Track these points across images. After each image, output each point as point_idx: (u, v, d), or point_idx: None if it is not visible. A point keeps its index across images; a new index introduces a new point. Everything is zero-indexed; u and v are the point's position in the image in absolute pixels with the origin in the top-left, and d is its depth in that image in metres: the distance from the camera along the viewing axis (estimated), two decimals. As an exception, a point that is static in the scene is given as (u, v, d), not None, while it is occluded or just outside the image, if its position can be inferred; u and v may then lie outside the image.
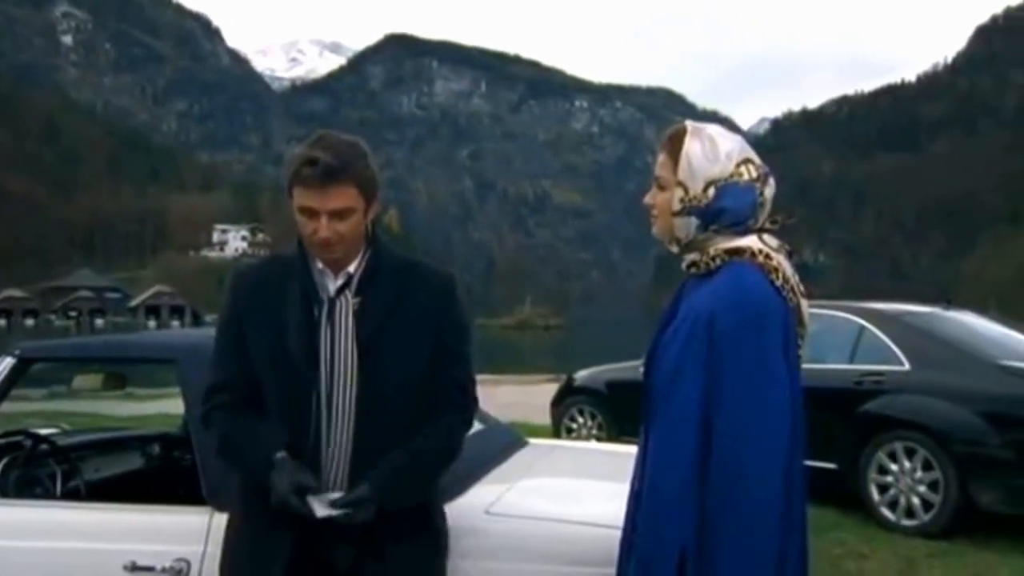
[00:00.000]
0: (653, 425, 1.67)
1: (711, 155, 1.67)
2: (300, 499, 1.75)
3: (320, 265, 1.89)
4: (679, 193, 1.68)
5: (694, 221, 1.68)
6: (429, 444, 1.90)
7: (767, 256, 1.65)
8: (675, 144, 1.70)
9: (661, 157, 1.73)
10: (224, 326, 1.95)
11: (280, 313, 1.87)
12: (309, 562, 1.83)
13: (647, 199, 1.75)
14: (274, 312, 1.87)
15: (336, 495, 1.79)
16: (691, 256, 1.71)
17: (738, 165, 1.68)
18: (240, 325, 1.90)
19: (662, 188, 1.72)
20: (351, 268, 1.89)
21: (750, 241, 1.66)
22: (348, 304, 1.86)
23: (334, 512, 1.75)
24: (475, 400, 2.02)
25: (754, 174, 1.69)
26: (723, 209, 1.66)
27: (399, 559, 1.85)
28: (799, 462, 1.59)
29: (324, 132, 1.86)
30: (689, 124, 1.73)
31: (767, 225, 1.71)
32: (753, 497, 1.51)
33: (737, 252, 1.65)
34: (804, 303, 1.69)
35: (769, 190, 1.70)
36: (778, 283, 1.63)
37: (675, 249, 1.74)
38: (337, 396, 1.83)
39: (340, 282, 1.88)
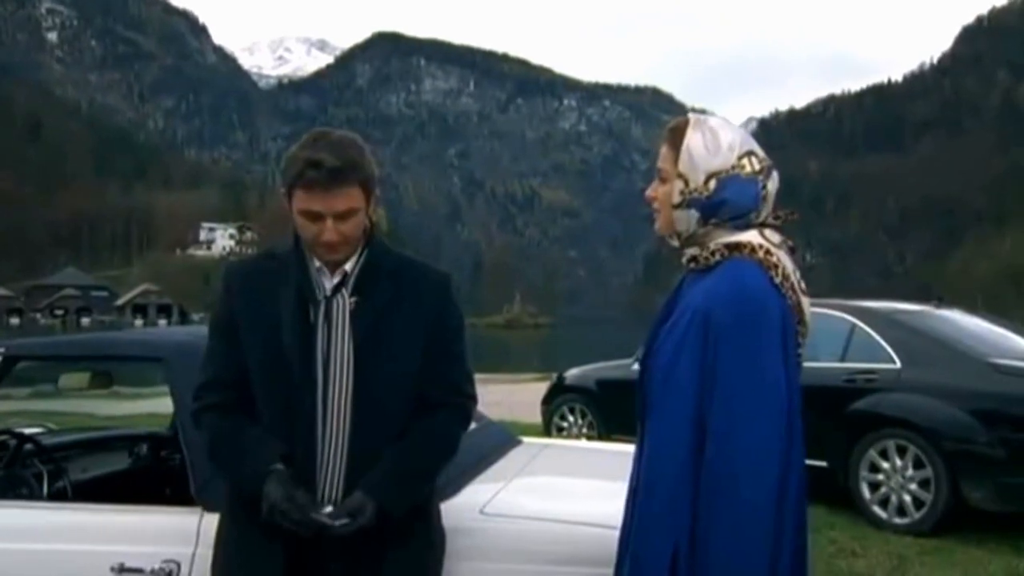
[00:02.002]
0: (649, 422, 1.64)
1: (712, 147, 1.64)
2: (293, 507, 1.70)
3: (318, 264, 1.85)
4: (679, 185, 1.65)
5: (695, 214, 1.65)
6: (425, 444, 1.86)
7: (767, 252, 1.61)
8: (677, 136, 1.67)
9: (663, 150, 1.70)
10: (216, 323, 1.90)
11: (274, 311, 1.82)
12: (303, 565, 1.80)
13: (648, 192, 1.72)
14: (268, 310, 1.83)
15: (330, 509, 1.75)
16: (691, 250, 1.68)
17: (740, 157, 1.64)
18: (233, 322, 1.85)
19: (663, 181, 1.69)
20: (347, 266, 1.85)
21: (751, 236, 1.63)
22: (345, 304, 1.82)
23: (335, 523, 1.71)
24: (474, 399, 1.99)
25: (757, 167, 1.65)
26: (724, 201, 1.63)
27: (395, 561, 1.82)
28: (797, 462, 1.55)
29: (322, 131, 1.82)
30: (691, 116, 1.70)
31: (769, 220, 1.68)
32: (744, 498, 1.48)
33: (737, 247, 1.62)
34: (805, 301, 1.65)
35: (772, 184, 1.67)
36: (777, 280, 1.60)
37: (675, 243, 1.71)
38: (332, 396, 1.79)
39: (336, 280, 1.85)
